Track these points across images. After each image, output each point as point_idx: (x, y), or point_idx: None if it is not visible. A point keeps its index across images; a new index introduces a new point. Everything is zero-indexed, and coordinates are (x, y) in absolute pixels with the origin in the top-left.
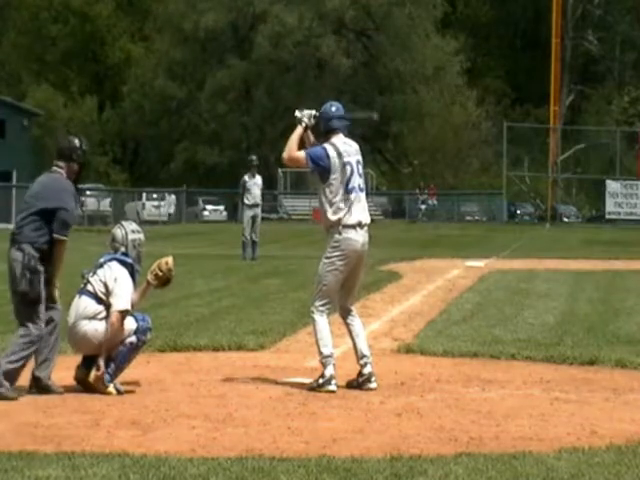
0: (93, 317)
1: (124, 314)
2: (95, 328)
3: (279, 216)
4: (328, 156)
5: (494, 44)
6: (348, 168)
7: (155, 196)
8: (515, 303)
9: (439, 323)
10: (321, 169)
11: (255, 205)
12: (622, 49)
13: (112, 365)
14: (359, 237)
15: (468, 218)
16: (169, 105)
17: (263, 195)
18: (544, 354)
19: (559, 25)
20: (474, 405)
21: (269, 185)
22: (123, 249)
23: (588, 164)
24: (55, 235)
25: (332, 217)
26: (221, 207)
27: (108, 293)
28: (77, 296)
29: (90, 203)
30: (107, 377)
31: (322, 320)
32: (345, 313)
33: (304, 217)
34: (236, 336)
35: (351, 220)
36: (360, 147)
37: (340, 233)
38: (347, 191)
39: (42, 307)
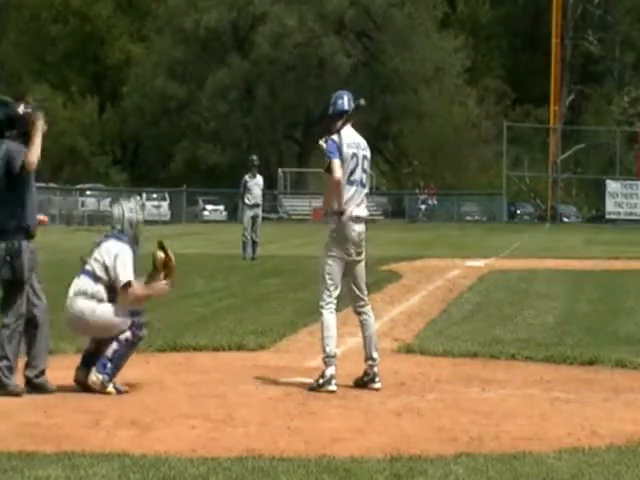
0: (92, 296)
1: (129, 286)
2: (92, 308)
3: (279, 216)
4: (340, 147)
5: (494, 44)
6: (354, 160)
7: (155, 196)
8: (515, 303)
9: (439, 323)
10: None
11: (256, 205)
12: (622, 49)
13: (109, 365)
14: (355, 226)
15: (468, 218)
16: (169, 105)
17: (263, 195)
18: (544, 354)
19: (559, 25)
20: (474, 405)
21: (269, 185)
22: (119, 227)
23: (588, 164)
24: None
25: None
26: (221, 207)
27: (108, 272)
28: (76, 276)
29: (90, 203)
30: (106, 377)
31: (330, 318)
32: (357, 308)
33: (304, 217)
34: (236, 336)
35: (348, 212)
36: None
37: (337, 222)
38: (349, 182)
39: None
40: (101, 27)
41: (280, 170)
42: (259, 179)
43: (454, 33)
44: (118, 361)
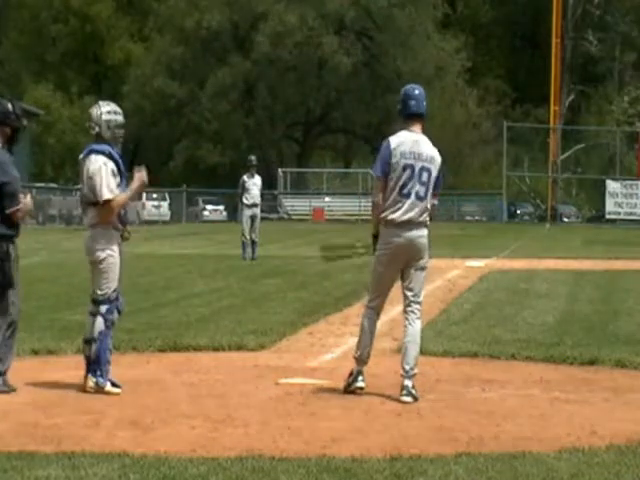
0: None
1: (110, 203)
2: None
3: (279, 216)
4: (389, 158)
5: (494, 44)
6: (408, 172)
7: (155, 196)
8: (515, 303)
9: (439, 323)
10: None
11: (254, 205)
12: (622, 49)
13: (97, 367)
14: (402, 232)
15: (468, 218)
16: (169, 105)
17: (263, 195)
18: (544, 354)
19: (559, 25)
20: (474, 405)
21: (269, 185)
22: (97, 129)
23: (588, 164)
24: (8, 211)
25: (382, 214)
26: (221, 207)
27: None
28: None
29: None
30: (100, 379)
31: (365, 323)
32: (405, 312)
33: (304, 217)
34: (236, 336)
35: (396, 219)
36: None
37: (385, 227)
38: (401, 194)
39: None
40: (101, 27)
41: (280, 170)
42: (257, 179)
43: (454, 33)
44: (103, 356)
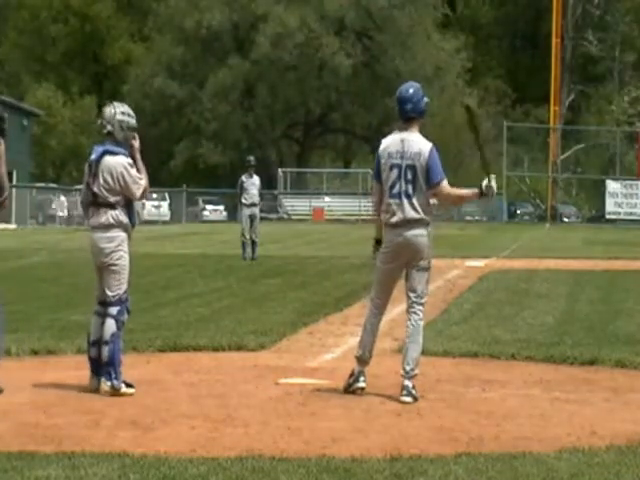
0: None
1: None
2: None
3: (279, 216)
4: (380, 156)
5: (494, 44)
6: (395, 171)
7: (155, 196)
8: (515, 303)
9: (439, 323)
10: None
11: (253, 204)
12: (622, 49)
13: (111, 369)
14: (400, 231)
15: (468, 218)
16: (169, 105)
17: (262, 195)
18: (544, 354)
19: (559, 25)
20: (474, 405)
21: (269, 185)
22: (110, 128)
23: (588, 164)
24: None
25: (382, 216)
26: (221, 207)
27: (121, 189)
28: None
29: None
30: (115, 382)
31: (366, 321)
32: (407, 311)
33: (304, 217)
34: (236, 336)
35: (392, 221)
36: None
37: (385, 228)
38: (392, 195)
39: None
40: (101, 27)
41: (280, 170)
42: (256, 179)
43: (454, 33)
44: (117, 358)
